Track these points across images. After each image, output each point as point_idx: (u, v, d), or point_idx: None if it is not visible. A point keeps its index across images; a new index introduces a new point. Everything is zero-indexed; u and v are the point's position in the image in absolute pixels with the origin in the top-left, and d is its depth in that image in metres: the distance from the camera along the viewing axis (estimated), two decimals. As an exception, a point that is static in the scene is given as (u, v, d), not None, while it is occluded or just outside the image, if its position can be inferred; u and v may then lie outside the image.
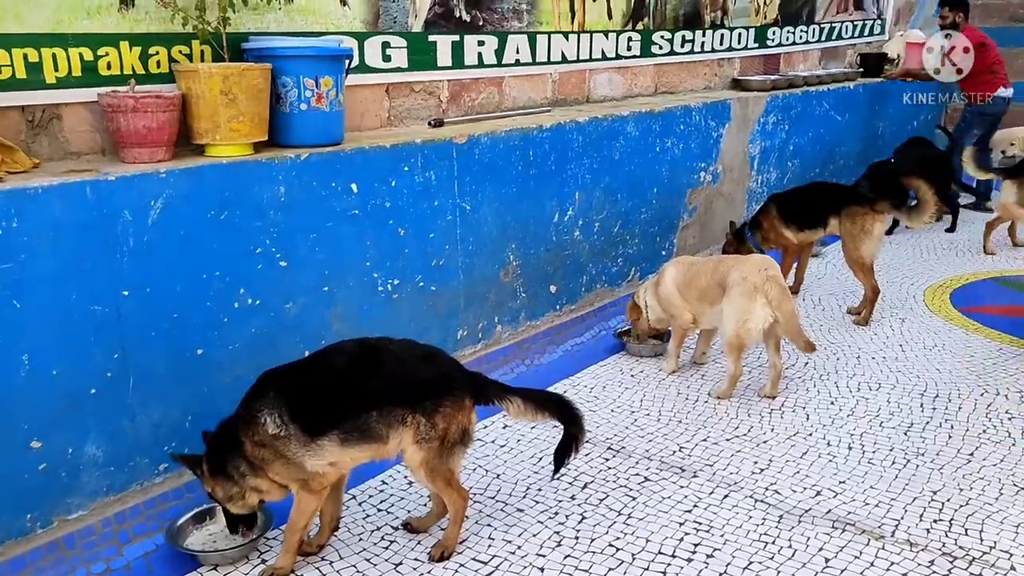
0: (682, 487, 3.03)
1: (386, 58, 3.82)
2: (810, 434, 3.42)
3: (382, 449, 2.51)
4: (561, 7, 4.69)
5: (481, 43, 4.26)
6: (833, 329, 4.63)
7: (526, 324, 4.27)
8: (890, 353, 4.26)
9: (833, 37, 7.53)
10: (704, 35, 5.84)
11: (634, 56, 5.30)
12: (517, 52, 4.47)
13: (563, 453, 2.62)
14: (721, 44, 6.04)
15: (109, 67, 2.90)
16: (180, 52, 3.07)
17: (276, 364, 2.55)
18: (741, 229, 5.14)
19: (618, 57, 5.17)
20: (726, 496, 2.96)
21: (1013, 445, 3.27)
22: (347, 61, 3.29)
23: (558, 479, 3.03)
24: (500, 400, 2.59)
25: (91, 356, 2.59)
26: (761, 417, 3.58)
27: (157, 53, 3.01)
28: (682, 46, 5.66)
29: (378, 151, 3.36)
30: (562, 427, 2.62)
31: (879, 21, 8.28)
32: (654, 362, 4.22)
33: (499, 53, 4.37)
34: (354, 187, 3.27)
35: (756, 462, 3.20)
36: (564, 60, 4.79)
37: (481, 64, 4.29)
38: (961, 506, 2.86)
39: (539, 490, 3.03)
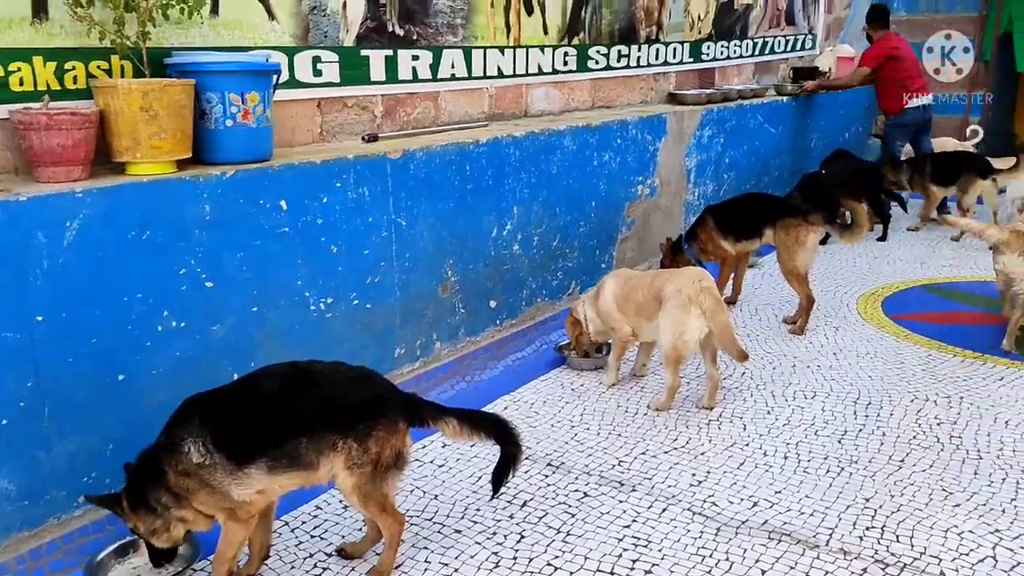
0: (621, 502, 3.02)
1: (317, 73, 3.76)
2: (747, 444, 3.44)
3: (313, 476, 2.44)
4: (496, 22, 4.68)
5: (415, 57, 4.23)
6: (770, 339, 4.69)
7: (466, 340, 4.23)
8: (824, 361, 4.32)
9: (766, 52, 7.68)
10: (640, 50, 5.90)
11: (571, 71, 5.33)
12: (452, 67, 4.45)
13: (500, 474, 2.58)
14: (657, 59, 6.11)
15: (21, 83, 2.79)
16: (99, 67, 2.97)
17: (203, 389, 2.47)
18: (678, 241, 5.19)
19: (555, 72, 5.19)
20: (664, 510, 2.96)
21: (941, 450, 3.34)
22: (275, 76, 3.22)
23: (497, 498, 2.99)
24: (435, 421, 2.55)
25: (2, 385, 2.47)
26: (699, 428, 3.60)
27: (73, 68, 2.91)
28: (618, 61, 5.71)
29: (308, 167, 3.29)
30: (499, 447, 2.58)
31: (810, 36, 8.49)
32: (595, 375, 4.22)
33: (434, 68, 4.34)
34: (283, 204, 3.20)
35: (694, 474, 3.20)
36: (500, 75, 4.79)
37: (416, 79, 4.26)
38: (893, 512, 2.90)
39: (477, 510, 2.99)
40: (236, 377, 2.73)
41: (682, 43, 6.39)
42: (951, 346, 4.48)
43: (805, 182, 6.49)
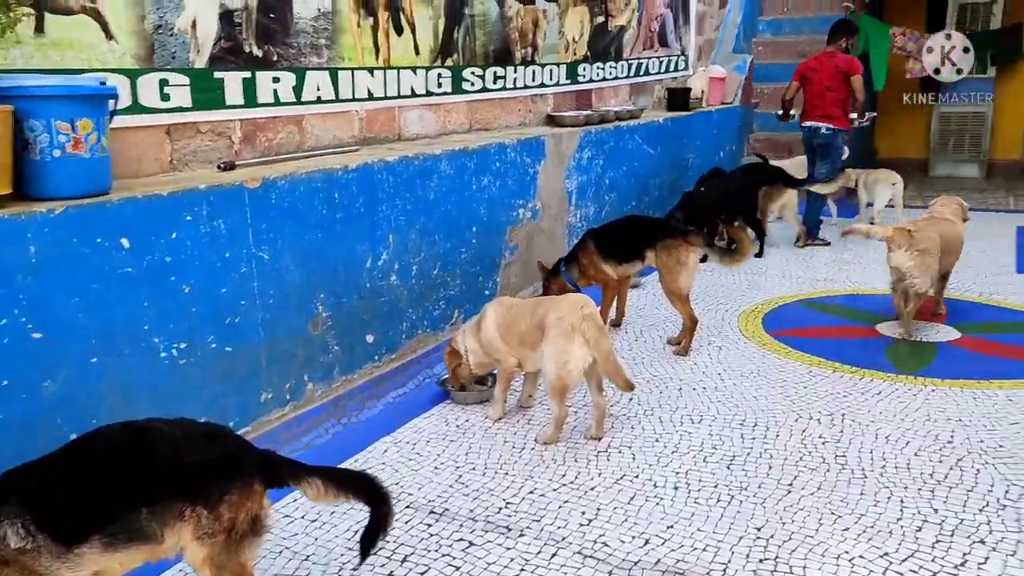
0: (508, 549, 2.84)
1: (165, 97, 3.45)
2: (636, 476, 3.33)
3: (157, 549, 2.15)
4: (364, 42, 4.48)
5: (276, 80, 3.96)
6: (655, 361, 4.64)
7: (341, 379, 3.97)
8: (709, 383, 4.29)
9: (641, 73, 7.76)
10: (516, 71, 5.81)
11: (446, 93, 5.17)
12: (318, 89, 4.20)
13: (370, 539, 2.35)
14: (533, 80, 6.04)
15: None
16: None
17: (34, 456, 2.14)
18: (557, 266, 5.09)
19: (429, 94, 5.02)
20: (554, 555, 2.79)
21: (828, 471, 3.32)
22: (111, 101, 2.91)
23: (375, 554, 2.75)
24: (296, 482, 2.30)
25: None
26: (588, 461, 3.47)
27: None
28: (494, 82, 5.59)
29: (154, 200, 2.99)
30: (369, 508, 2.35)
31: (683, 57, 8.66)
32: (480, 409, 4.03)
33: (298, 90, 4.08)
34: (125, 242, 2.88)
35: (584, 512, 3.06)
36: (371, 97, 4.57)
37: (278, 102, 3.99)
38: (784, 541, 2.83)
39: (354, 570, 2.74)
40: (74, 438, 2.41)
41: (558, 65, 6.35)
42: (830, 361, 4.54)
43: (685, 201, 6.55)
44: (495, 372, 4.02)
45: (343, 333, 3.94)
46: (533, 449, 3.60)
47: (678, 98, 8.14)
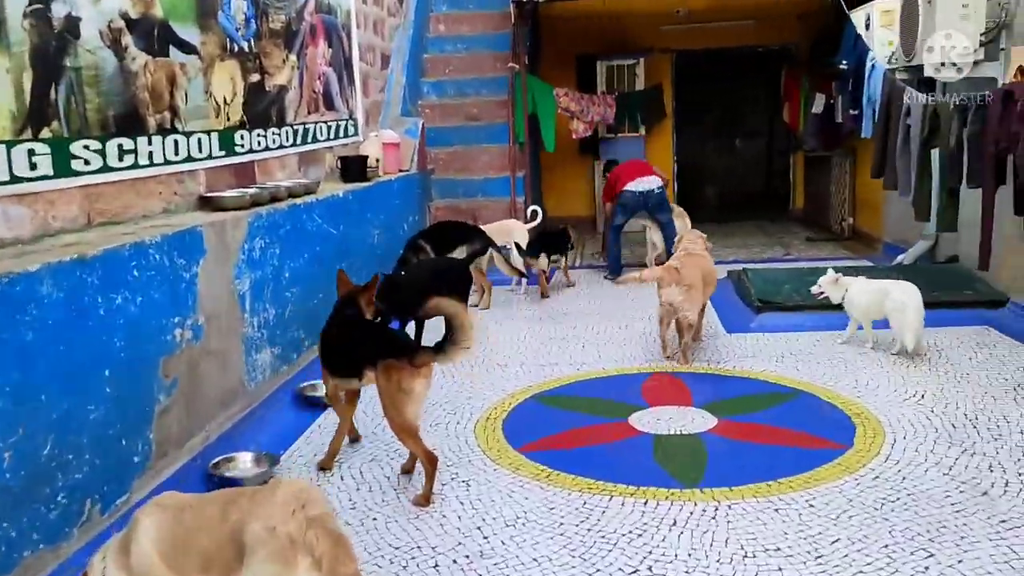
0: None
1: None
2: None
3: None
4: None
5: None
6: (390, 520, 3.46)
7: None
8: (472, 546, 3.22)
9: (309, 140, 6.61)
10: (151, 143, 4.35)
11: (45, 176, 3.58)
12: None
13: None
14: (177, 153, 4.61)
15: None
16: None
17: None
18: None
19: (15, 180, 3.41)
20: None
21: None
22: None
23: None
24: None
25: None
26: None
27: None
28: (121, 158, 4.09)
29: None
30: None
31: (352, 121, 7.67)
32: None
33: None
34: None
35: None
36: (-91, 190, 2.89)
37: None
38: None
39: None
40: None
41: (208, 133, 4.98)
42: (601, 482, 3.71)
43: (387, 287, 5.47)
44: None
45: None
46: None
47: (354, 167, 7.11)
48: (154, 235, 3.77)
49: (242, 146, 5.44)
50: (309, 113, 6.66)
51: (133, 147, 4.19)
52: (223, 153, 5.20)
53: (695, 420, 4.42)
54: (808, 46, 11.13)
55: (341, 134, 7.40)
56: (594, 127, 10.61)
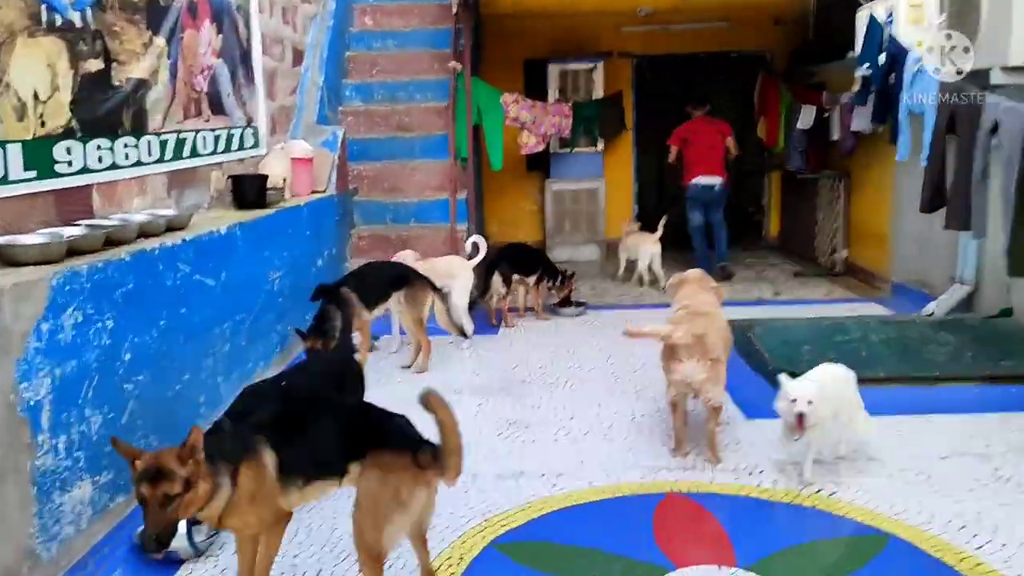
0: None
1: None
2: None
3: None
4: None
5: None
6: None
7: None
8: None
9: (185, 153, 4.92)
10: None
11: None
12: None
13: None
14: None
15: None
16: None
17: None
18: None
19: None
20: None
21: None
22: None
23: None
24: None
25: None
26: None
27: None
28: None
29: None
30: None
31: (251, 130, 5.98)
32: None
33: None
34: None
35: None
36: None
37: None
38: None
39: None
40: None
41: (3, 144, 3.29)
42: None
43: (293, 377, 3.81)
44: None
45: None
46: None
47: (250, 190, 5.44)
48: None
49: (68, 163, 3.74)
50: (186, 118, 4.97)
51: None
52: (34, 175, 3.50)
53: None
54: (787, 52, 9.87)
55: (235, 146, 5.72)
56: (547, 141, 9.12)
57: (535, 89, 9.87)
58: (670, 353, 3.90)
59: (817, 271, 8.74)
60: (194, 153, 5.06)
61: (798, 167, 9.06)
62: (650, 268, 8.09)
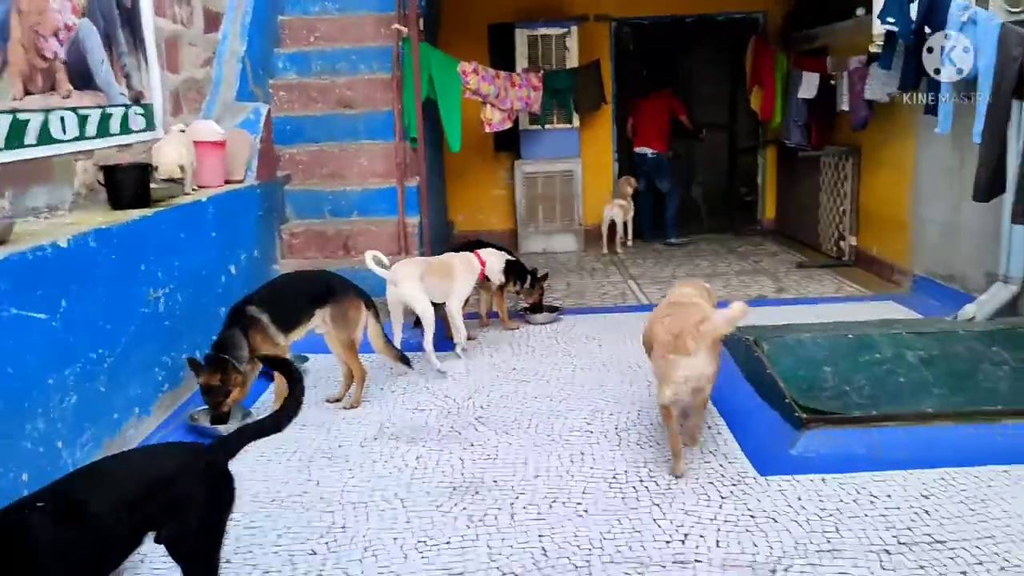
0: None
1: None
2: None
3: None
4: None
5: None
6: None
7: None
8: None
9: (27, 140, 3.78)
10: None
11: None
12: None
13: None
14: None
15: None
16: None
17: None
18: None
19: None
20: None
21: None
22: None
23: None
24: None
25: None
26: None
27: None
28: None
29: None
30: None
31: (138, 108, 4.83)
32: None
33: None
34: None
35: None
36: None
37: None
38: None
39: None
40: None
41: None
42: None
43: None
44: None
45: None
46: None
47: (128, 184, 4.31)
48: None
49: None
50: (29, 93, 3.82)
51: None
52: None
53: None
54: (783, 14, 8.79)
55: (114, 129, 4.57)
56: (515, 117, 8.00)
57: (501, 58, 8.77)
58: (685, 346, 3.25)
59: (822, 261, 7.70)
60: (45, 138, 3.92)
61: (799, 142, 7.98)
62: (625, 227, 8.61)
